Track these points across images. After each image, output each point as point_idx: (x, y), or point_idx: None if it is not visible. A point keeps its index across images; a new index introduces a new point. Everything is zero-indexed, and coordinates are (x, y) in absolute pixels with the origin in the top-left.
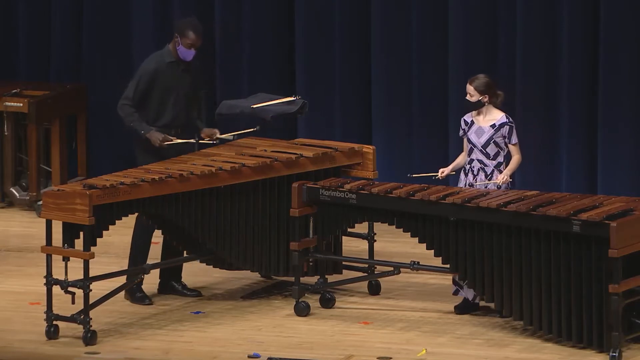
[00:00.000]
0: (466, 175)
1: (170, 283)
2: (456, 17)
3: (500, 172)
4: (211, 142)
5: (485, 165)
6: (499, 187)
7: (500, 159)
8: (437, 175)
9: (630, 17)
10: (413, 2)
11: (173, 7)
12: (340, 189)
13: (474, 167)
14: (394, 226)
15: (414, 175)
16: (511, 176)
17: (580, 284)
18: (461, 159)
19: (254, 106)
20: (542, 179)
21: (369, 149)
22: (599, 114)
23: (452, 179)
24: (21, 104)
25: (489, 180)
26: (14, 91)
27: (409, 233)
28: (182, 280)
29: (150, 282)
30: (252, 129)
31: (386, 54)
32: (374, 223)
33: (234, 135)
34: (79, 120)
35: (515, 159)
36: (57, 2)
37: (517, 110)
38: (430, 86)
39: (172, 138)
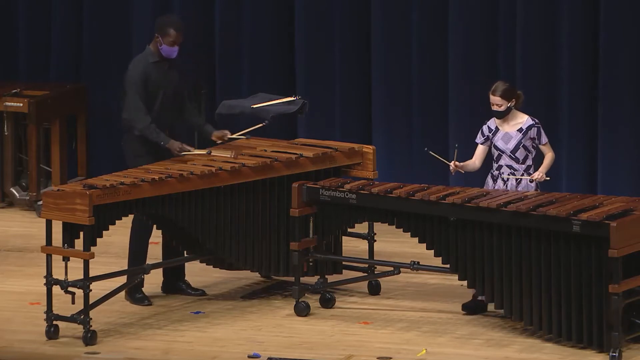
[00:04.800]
0: (494, 181)
1: (175, 282)
2: (456, 17)
3: (530, 175)
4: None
5: (515, 170)
6: (531, 182)
7: (529, 162)
8: (450, 165)
9: (630, 18)
10: (413, 2)
11: (173, 7)
12: (340, 189)
13: (503, 173)
14: (394, 226)
15: (431, 152)
16: (547, 174)
17: (580, 284)
18: (472, 165)
19: (254, 106)
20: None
21: (369, 149)
22: (599, 114)
23: (453, 178)
24: (21, 104)
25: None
26: (14, 91)
27: (409, 233)
28: (185, 279)
29: (151, 282)
30: (260, 124)
31: (386, 54)
32: (374, 223)
33: (245, 133)
34: (79, 120)
35: (549, 156)
36: (57, 2)
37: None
38: (430, 86)
39: (189, 148)
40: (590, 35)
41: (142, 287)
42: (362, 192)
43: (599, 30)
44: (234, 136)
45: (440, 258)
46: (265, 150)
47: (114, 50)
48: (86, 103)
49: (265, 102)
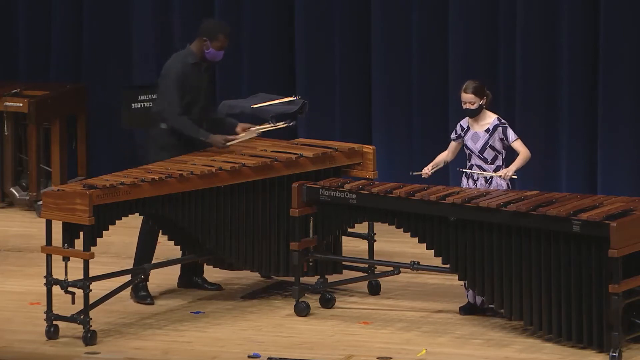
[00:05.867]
0: (467, 180)
1: (191, 277)
2: (456, 17)
3: (483, 173)
4: (273, 127)
5: (485, 170)
6: (496, 180)
7: (499, 162)
8: (422, 174)
9: (630, 18)
10: (413, 2)
11: (173, 7)
12: (340, 189)
13: (473, 172)
14: (394, 226)
15: (415, 173)
16: (516, 172)
17: (580, 284)
18: (441, 158)
19: (254, 106)
20: (542, 179)
21: (369, 149)
22: (599, 114)
23: (453, 178)
24: (21, 104)
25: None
26: (14, 91)
27: (409, 233)
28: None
29: (153, 282)
30: (288, 122)
31: (386, 54)
32: (374, 223)
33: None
34: (79, 120)
35: (522, 154)
36: (57, 2)
37: (517, 110)
38: (430, 86)
39: (232, 137)
40: (591, 35)
41: (146, 285)
42: (362, 192)
43: (599, 30)
44: (260, 128)
45: (440, 258)
46: (265, 150)
47: (114, 50)
48: (86, 103)
49: (265, 102)
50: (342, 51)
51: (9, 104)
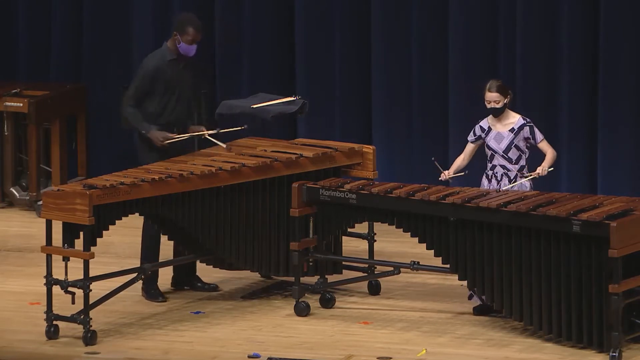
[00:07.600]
0: (489, 181)
1: (185, 277)
2: (456, 17)
3: (524, 175)
4: (214, 139)
5: (509, 170)
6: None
7: (523, 162)
8: (441, 175)
9: (630, 18)
10: (413, 2)
11: (173, 7)
12: (340, 189)
13: (497, 172)
14: (394, 226)
15: (436, 163)
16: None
17: (580, 284)
18: (460, 162)
19: (254, 106)
20: (542, 179)
21: (369, 149)
22: (599, 114)
23: (464, 180)
24: (21, 104)
25: (523, 178)
26: (14, 91)
27: (409, 233)
28: (196, 274)
29: (165, 279)
30: (240, 127)
31: (386, 54)
32: (374, 223)
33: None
34: (79, 120)
35: (549, 153)
36: (57, 2)
37: (517, 110)
38: (430, 86)
39: (172, 136)
40: (591, 35)
41: (157, 282)
42: (362, 192)
43: (599, 30)
44: (208, 135)
45: (440, 258)
46: (265, 150)
47: (114, 50)
48: (86, 103)
49: (265, 102)
50: (342, 51)
51: (9, 104)
